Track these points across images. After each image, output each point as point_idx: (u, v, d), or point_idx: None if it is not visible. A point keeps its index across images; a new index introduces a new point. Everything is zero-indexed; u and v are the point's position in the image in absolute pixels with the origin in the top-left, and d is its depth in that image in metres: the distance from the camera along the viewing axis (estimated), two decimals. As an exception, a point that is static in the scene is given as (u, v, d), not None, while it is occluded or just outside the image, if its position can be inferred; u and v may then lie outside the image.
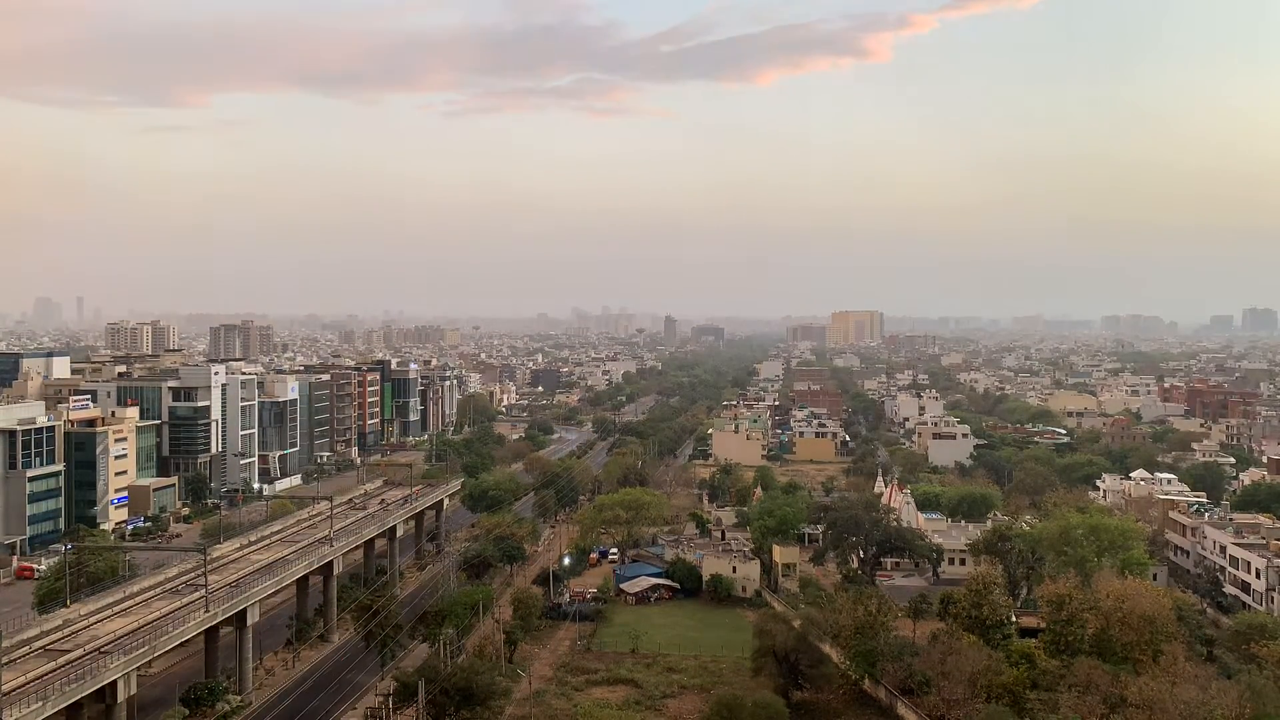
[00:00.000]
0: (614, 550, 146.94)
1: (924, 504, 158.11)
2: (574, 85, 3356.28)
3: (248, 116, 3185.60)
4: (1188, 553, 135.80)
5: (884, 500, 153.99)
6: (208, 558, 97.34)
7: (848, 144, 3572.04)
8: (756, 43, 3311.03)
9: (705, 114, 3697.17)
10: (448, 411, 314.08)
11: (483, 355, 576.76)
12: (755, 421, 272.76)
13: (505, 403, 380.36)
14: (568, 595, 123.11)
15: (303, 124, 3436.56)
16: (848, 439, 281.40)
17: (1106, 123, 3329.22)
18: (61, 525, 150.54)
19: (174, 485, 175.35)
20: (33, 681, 68.41)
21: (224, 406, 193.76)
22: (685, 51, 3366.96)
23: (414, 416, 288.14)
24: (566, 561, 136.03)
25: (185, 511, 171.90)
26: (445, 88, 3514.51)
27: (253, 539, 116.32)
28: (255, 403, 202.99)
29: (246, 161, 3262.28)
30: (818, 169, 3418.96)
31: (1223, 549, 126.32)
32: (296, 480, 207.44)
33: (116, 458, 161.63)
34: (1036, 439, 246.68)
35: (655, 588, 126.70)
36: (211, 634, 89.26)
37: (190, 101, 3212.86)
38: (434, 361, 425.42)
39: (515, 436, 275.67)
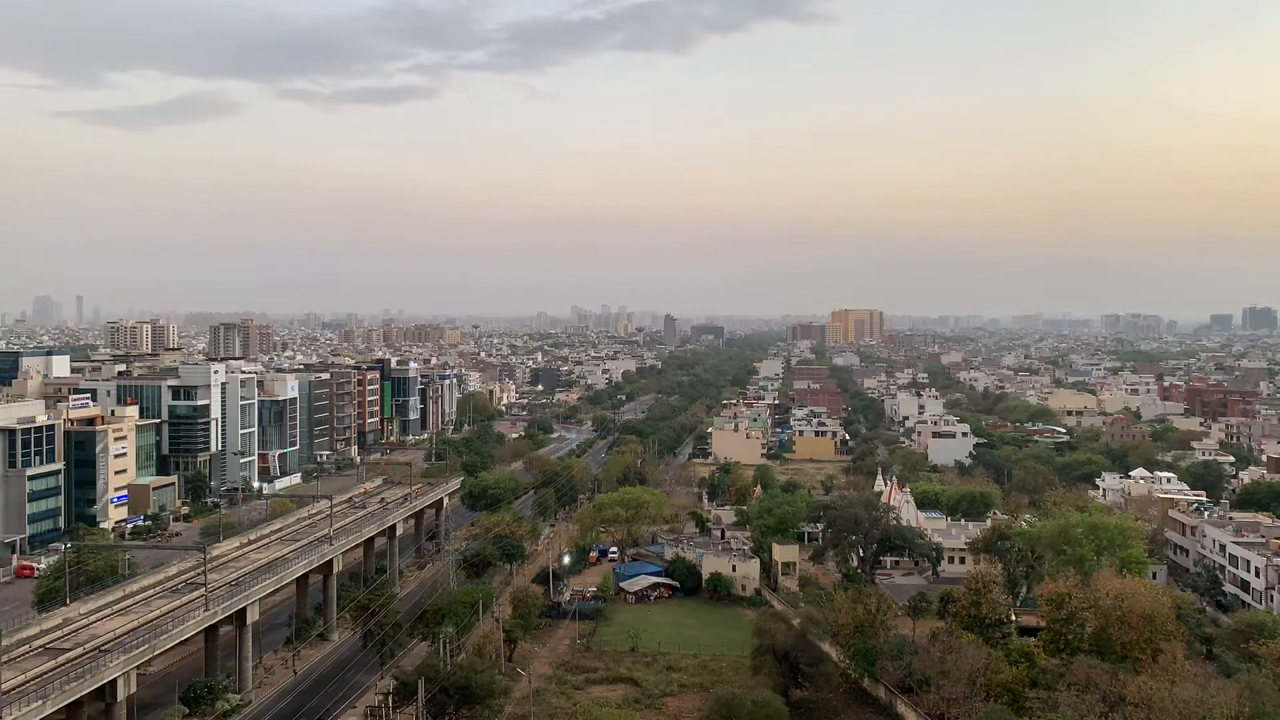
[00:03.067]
0: (614, 549, 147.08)
1: (923, 503, 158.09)
2: (495, 59, 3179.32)
3: (166, 102, 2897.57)
4: (1187, 551, 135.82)
5: (884, 499, 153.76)
6: (207, 556, 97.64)
7: (826, 128, 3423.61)
8: (682, 8, 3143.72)
9: (649, 91, 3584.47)
10: (447, 410, 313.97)
11: (482, 354, 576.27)
12: (755, 420, 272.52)
13: (505, 401, 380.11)
14: (567, 594, 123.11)
15: (253, 112, 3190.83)
16: (847, 438, 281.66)
17: (1104, 111, 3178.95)
18: (61, 524, 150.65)
19: (174, 484, 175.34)
20: (32, 680, 68.47)
21: (224, 405, 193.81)
22: (612, 18, 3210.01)
23: (413, 415, 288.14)
24: (566, 560, 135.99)
25: (185, 510, 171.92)
26: (357, 60, 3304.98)
27: (252, 537, 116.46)
28: (255, 401, 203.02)
29: (196, 153, 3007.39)
30: (801, 155, 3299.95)
31: (1222, 548, 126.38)
32: (296, 479, 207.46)
33: (116, 456, 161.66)
34: (1036, 438, 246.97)
35: (655, 586, 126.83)
36: (211, 633, 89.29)
37: (98, 82, 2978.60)
38: (433, 360, 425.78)
39: (515, 435, 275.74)
